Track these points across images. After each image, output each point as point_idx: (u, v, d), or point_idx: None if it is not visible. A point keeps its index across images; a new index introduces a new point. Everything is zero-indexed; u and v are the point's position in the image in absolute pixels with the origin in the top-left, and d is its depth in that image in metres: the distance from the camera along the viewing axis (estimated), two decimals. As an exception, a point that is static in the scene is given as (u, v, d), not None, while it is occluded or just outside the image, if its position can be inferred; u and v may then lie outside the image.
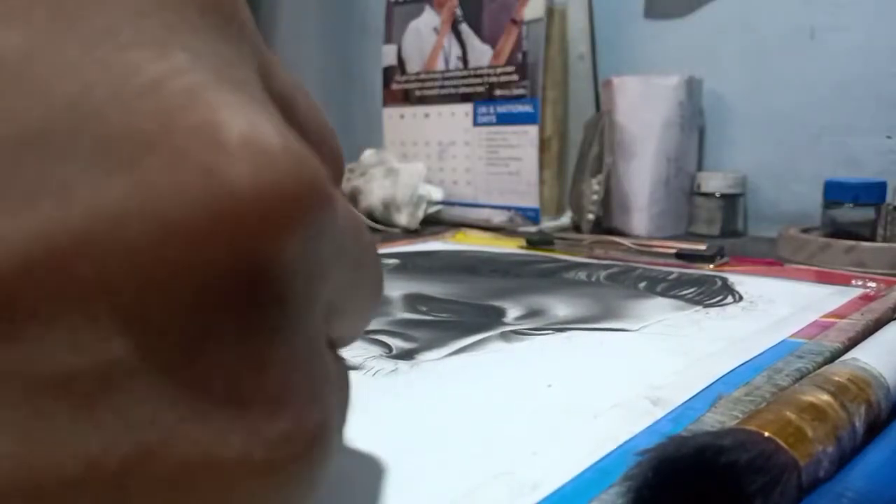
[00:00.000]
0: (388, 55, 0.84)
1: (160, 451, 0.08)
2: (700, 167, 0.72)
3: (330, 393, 0.10)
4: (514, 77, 0.73)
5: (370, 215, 0.74)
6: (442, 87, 0.79)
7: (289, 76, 0.12)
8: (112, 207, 0.08)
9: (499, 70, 0.74)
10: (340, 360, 0.13)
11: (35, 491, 0.08)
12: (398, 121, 0.84)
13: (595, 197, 0.67)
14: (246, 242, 0.08)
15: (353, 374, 0.26)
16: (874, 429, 0.20)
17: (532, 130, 0.72)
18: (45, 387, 0.08)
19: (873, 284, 0.41)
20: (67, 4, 0.09)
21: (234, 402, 0.09)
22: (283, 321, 0.09)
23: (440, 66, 0.79)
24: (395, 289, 0.41)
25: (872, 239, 0.52)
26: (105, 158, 0.08)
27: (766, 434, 0.17)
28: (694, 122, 0.69)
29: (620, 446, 0.19)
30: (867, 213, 0.53)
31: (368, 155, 0.83)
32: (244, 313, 0.09)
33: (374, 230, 0.72)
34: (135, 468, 0.08)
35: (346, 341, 0.14)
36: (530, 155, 0.72)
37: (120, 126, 0.08)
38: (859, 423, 0.19)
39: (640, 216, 0.67)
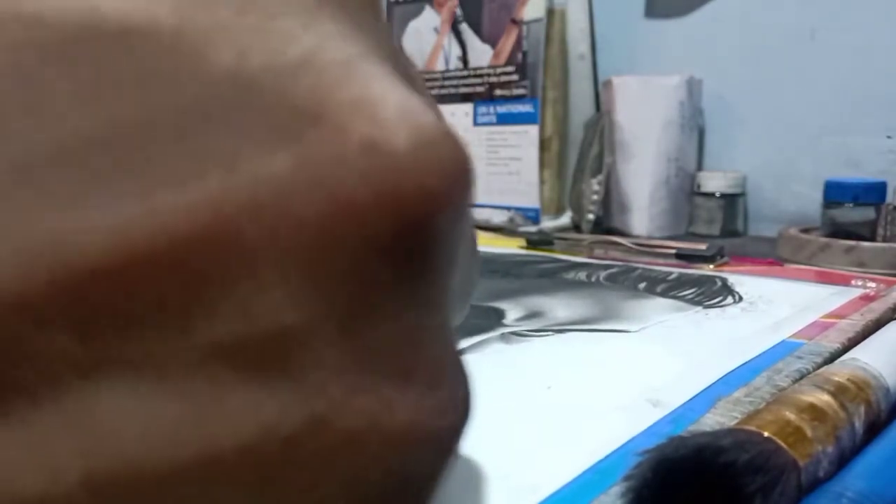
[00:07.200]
0: (388, 55, 0.84)
1: (330, 420, 0.08)
2: (700, 167, 0.72)
3: (466, 368, 0.11)
4: (514, 77, 0.73)
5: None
6: (442, 87, 0.79)
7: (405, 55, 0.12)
8: (278, 179, 0.08)
9: (499, 70, 0.74)
10: None
11: (212, 460, 0.08)
12: (398, 121, 0.84)
13: (595, 197, 0.67)
14: (408, 216, 0.08)
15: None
16: (874, 429, 0.20)
17: (532, 130, 0.72)
18: (218, 354, 0.08)
19: (873, 284, 0.41)
20: None
21: (398, 373, 0.09)
22: (435, 296, 0.09)
23: (440, 66, 0.79)
24: (395, 289, 0.41)
25: (872, 239, 0.52)
26: (265, 130, 0.08)
27: (766, 434, 0.17)
28: (694, 122, 0.69)
29: (620, 447, 0.19)
30: (867, 213, 0.53)
31: (368, 155, 0.83)
32: (405, 284, 0.09)
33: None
34: (306, 436, 0.08)
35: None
36: (530, 155, 0.72)
37: (277, 98, 0.08)
38: (859, 424, 0.19)
39: (640, 216, 0.67)
